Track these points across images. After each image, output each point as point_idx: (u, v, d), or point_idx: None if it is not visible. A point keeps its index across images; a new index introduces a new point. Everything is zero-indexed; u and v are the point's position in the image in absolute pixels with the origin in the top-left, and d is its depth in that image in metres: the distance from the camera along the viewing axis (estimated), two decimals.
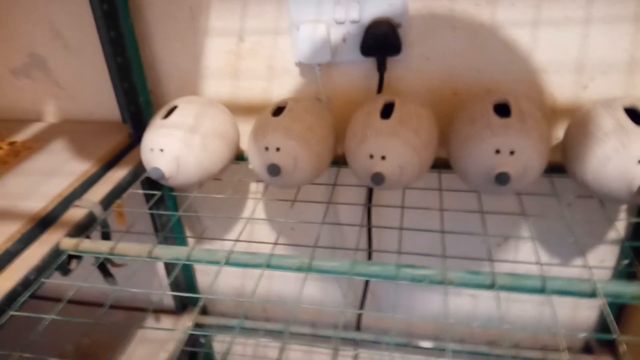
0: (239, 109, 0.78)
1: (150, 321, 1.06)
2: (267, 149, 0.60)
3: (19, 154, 0.78)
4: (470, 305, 0.93)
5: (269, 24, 0.72)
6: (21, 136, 0.84)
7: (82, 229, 0.64)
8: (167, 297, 1.08)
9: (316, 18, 0.69)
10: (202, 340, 1.05)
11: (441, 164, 0.69)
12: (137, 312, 1.11)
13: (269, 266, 0.56)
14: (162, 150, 0.63)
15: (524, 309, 0.91)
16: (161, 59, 0.79)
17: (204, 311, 1.09)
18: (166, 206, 0.87)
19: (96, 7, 0.72)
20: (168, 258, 0.58)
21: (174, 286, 1.01)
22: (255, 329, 1.05)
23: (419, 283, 0.52)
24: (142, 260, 0.59)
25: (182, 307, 1.07)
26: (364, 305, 0.96)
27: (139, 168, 0.76)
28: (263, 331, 1.06)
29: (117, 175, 0.74)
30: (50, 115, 0.90)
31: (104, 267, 0.67)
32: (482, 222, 0.64)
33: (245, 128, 0.77)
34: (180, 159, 0.64)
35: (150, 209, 0.77)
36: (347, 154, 0.64)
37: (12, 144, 0.81)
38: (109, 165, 0.75)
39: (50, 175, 0.71)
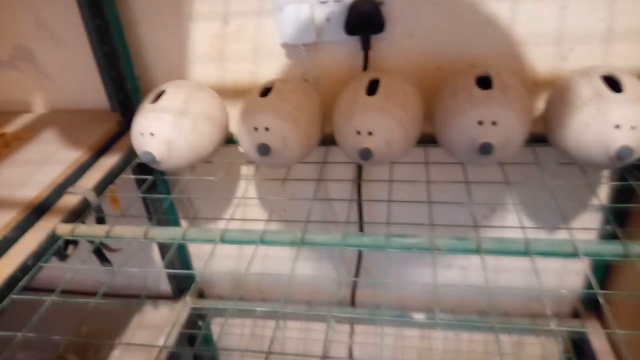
0: (226, 92, 0.79)
1: (147, 307, 1.07)
2: (256, 129, 0.62)
3: (9, 145, 0.78)
4: (461, 277, 0.95)
5: (252, 6, 0.73)
6: (10, 128, 0.85)
7: (77, 215, 0.65)
8: (164, 283, 1.09)
9: None
10: (200, 323, 1.07)
11: (427, 139, 0.71)
12: (133, 299, 1.12)
13: (262, 242, 0.57)
14: (152, 134, 0.64)
15: (513, 278, 0.93)
16: (147, 45, 0.79)
17: (201, 295, 1.11)
18: (158, 190, 0.89)
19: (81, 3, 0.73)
20: (164, 238, 0.59)
21: (168, 274, 1.03)
22: (251, 309, 1.07)
23: (408, 250, 0.54)
24: (138, 244, 0.60)
25: (178, 292, 1.09)
26: (357, 282, 0.99)
27: (130, 154, 0.76)
28: (259, 311, 1.08)
29: (108, 161, 0.74)
30: (39, 105, 0.90)
31: (100, 252, 0.68)
32: (468, 192, 0.66)
33: (234, 111, 0.78)
34: (170, 142, 0.65)
35: (142, 193, 0.78)
36: (335, 131, 0.65)
37: (1, 135, 0.81)
38: (100, 152, 0.76)
39: (42, 164, 0.72)
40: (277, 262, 1.01)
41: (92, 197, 0.67)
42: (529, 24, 0.68)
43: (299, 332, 1.11)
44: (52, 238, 0.61)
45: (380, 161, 0.64)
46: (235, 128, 0.69)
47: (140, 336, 1.01)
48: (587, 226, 0.84)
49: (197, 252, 1.04)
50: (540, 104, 0.73)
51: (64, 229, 0.62)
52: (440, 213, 0.82)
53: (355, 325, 1.06)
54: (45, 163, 0.72)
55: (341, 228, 0.89)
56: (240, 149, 0.68)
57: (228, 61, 0.78)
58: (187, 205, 0.97)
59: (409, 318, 0.97)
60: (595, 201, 0.80)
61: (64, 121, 0.84)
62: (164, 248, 1.00)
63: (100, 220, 0.68)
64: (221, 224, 0.95)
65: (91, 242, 0.63)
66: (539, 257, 0.51)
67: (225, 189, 0.92)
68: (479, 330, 1.01)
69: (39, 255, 0.59)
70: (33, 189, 0.66)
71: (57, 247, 0.60)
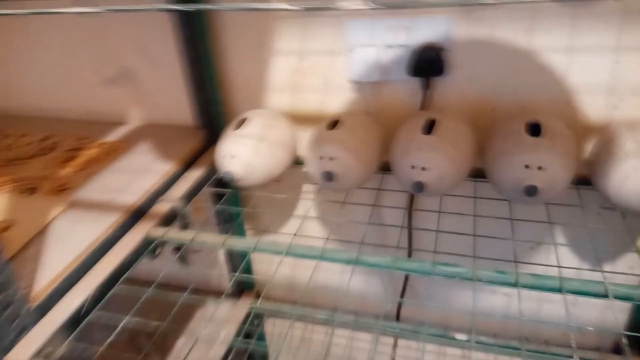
0: (297, 119, 0.89)
1: (210, 304, 1.19)
2: (322, 157, 0.71)
3: (110, 153, 0.91)
4: (504, 302, 1.00)
5: (326, 46, 0.82)
6: (109, 138, 0.98)
7: (167, 221, 0.76)
8: (226, 282, 1.21)
9: (369, 42, 0.78)
10: (257, 322, 1.17)
11: (477, 174, 0.77)
12: (198, 295, 1.24)
13: (322, 258, 0.66)
14: (234, 156, 0.75)
15: (555, 308, 0.97)
16: (232, 74, 0.90)
17: (258, 296, 1.21)
18: (231, 203, 0.99)
19: (180, 30, 0.84)
20: (239, 247, 0.69)
21: (232, 273, 1.13)
22: (304, 314, 1.16)
23: (451, 279, 0.61)
24: (215, 249, 0.70)
25: (238, 292, 1.19)
26: (404, 298, 1.05)
27: (212, 169, 0.88)
28: (311, 317, 1.17)
29: (193, 175, 0.86)
30: (134, 119, 1.03)
31: (183, 254, 0.79)
32: (512, 228, 0.71)
33: (303, 135, 0.87)
34: (249, 165, 0.75)
35: (218, 205, 0.88)
36: (392, 163, 0.73)
37: (102, 144, 0.95)
38: (186, 165, 0.88)
39: (139, 173, 0.84)
40: (329, 272, 1.10)
41: (180, 206, 0.78)
42: (582, 74, 0.73)
43: (346, 340, 1.19)
44: (147, 240, 0.73)
45: (431, 193, 0.71)
46: (304, 153, 0.78)
47: (203, 329, 1.12)
48: (632, 267, 0.87)
49: (260, 257, 1.14)
50: (588, 147, 0.77)
51: (157, 233, 0.73)
52: (484, 246, 0.88)
53: (398, 339, 1.13)
54: (141, 172, 0.84)
55: (391, 252, 0.97)
56: (306, 170, 0.77)
57: (301, 92, 0.88)
58: (255, 217, 1.07)
59: (449, 337, 1.03)
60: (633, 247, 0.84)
61: (156, 135, 0.97)
62: (232, 253, 1.11)
63: (185, 227, 0.79)
64: (283, 237, 1.05)
65: (177, 245, 0.74)
66: (572, 295, 0.57)
67: (290, 206, 1.01)
68: (517, 356, 1.05)
69: (136, 254, 0.71)
70: (131, 195, 0.78)
71: (150, 248, 0.72)
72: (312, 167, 0.74)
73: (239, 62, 0.89)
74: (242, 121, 0.79)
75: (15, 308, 0.56)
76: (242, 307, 1.15)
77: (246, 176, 0.76)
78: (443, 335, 1.05)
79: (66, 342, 0.59)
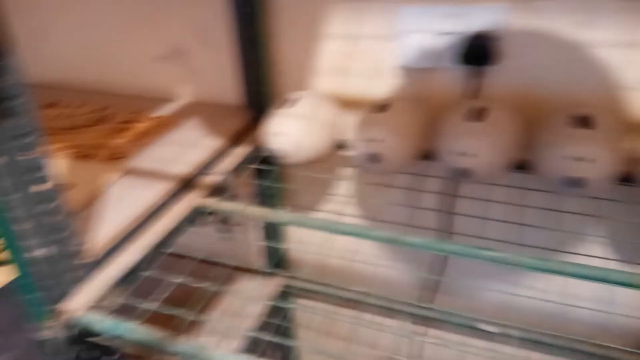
0: (343, 102, 0.91)
1: (242, 279, 1.22)
2: (369, 139, 0.72)
3: (160, 127, 0.95)
4: (538, 296, 1.00)
5: (376, 32, 0.83)
6: (161, 112, 1.02)
7: (214, 192, 0.79)
8: (259, 258, 1.23)
9: (421, 28, 0.79)
10: (286, 300, 1.20)
11: (524, 165, 0.77)
12: (230, 269, 1.26)
13: (365, 236, 0.68)
14: (282, 134, 0.77)
15: (591, 306, 0.97)
16: (281, 56, 0.92)
17: (290, 276, 1.24)
18: (273, 180, 1.02)
19: (236, 10, 0.87)
20: (286, 221, 0.72)
21: (268, 250, 1.16)
22: (334, 295, 1.18)
23: (495, 263, 0.62)
24: (255, 223, 0.73)
25: (271, 269, 1.22)
26: (436, 287, 1.06)
27: (257, 147, 0.90)
28: (341, 298, 1.18)
29: (239, 151, 0.88)
30: (185, 96, 1.07)
31: (228, 226, 0.82)
32: (558, 219, 0.72)
33: (348, 119, 0.89)
34: (296, 143, 0.77)
35: (262, 180, 0.91)
36: (437, 149, 0.74)
37: (153, 118, 0.98)
38: (233, 142, 0.90)
39: (189, 147, 0.87)
40: (363, 257, 1.11)
41: (226, 180, 0.81)
42: (638, 70, 0.72)
43: (373, 324, 1.20)
44: (195, 209, 0.76)
45: (476, 181, 0.72)
46: (347, 136, 0.80)
47: (234, 303, 1.15)
48: None
49: (293, 237, 1.17)
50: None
51: (207, 203, 0.76)
52: (528, 235, 0.88)
53: (427, 328, 1.14)
54: (190, 146, 0.87)
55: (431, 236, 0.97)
56: (351, 153, 0.79)
57: (347, 76, 0.89)
58: (295, 196, 1.09)
59: (480, 328, 1.04)
60: None
61: (205, 111, 1.00)
62: (268, 230, 1.14)
63: (230, 199, 0.82)
64: (322, 216, 1.07)
65: (223, 216, 0.77)
66: (616, 285, 0.57)
67: (329, 187, 1.03)
68: (550, 353, 1.05)
69: (185, 221, 0.74)
70: (181, 167, 0.81)
71: (199, 217, 0.75)
72: (358, 149, 0.75)
73: (289, 44, 0.91)
74: (290, 100, 0.81)
75: (72, 261, 0.59)
76: (274, 284, 1.18)
77: (292, 154, 0.78)
78: (473, 325, 1.05)
79: (116, 297, 0.62)
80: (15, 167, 0.50)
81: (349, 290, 1.19)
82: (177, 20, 0.98)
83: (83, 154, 0.86)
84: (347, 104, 0.92)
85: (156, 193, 0.75)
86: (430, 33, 0.79)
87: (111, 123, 0.97)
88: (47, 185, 0.53)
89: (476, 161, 0.68)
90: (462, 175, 0.69)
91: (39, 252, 0.54)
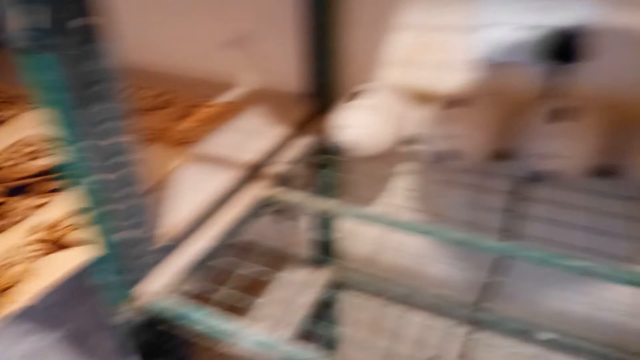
0: (411, 95, 0.88)
1: (293, 268, 1.22)
2: (448, 136, 0.70)
3: (224, 113, 0.95)
4: (592, 313, 0.96)
5: (451, 23, 0.80)
6: (225, 98, 1.02)
7: (278, 182, 0.79)
8: (310, 249, 1.23)
9: (504, 21, 0.76)
10: (334, 292, 1.20)
11: (607, 169, 0.73)
12: (281, 258, 1.27)
13: (430, 233, 0.66)
14: (350, 126, 0.76)
15: None
16: (349, 46, 0.90)
17: (339, 269, 1.23)
18: (335, 172, 1.00)
19: None
20: (352, 216, 0.71)
21: (315, 243, 1.16)
22: (382, 290, 1.16)
23: (572, 272, 0.59)
24: (317, 214, 0.72)
25: (317, 262, 1.21)
26: (494, 289, 1.03)
27: (321, 137, 0.89)
28: (387, 295, 1.17)
29: (303, 141, 0.88)
30: (247, 83, 1.06)
31: (289, 215, 0.82)
32: (630, 226, 0.68)
33: (417, 113, 0.86)
34: (363, 135, 0.76)
35: (324, 172, 0.90)
36: (518, 149, 0.71)
37: (216, 104, 0.99)
38: (296, 131, 0.90)
39: (254, 135, 0.87)
40: (414, 254, 1.09)
41: (290, 169, 0.80)
42: None
43: (421, 322, 1.18)
44: (261, 197, 0.75)
45: (553, 182, 0.68)
46: (418, 129, 0.78)
47: (284, 292, 1.15)
48: None
49: (345, 228, 1.16)
50: None
51: (272, 192, 0.76)
52: (596, 242, 0.84)
53: (480, 330, 1.11)
54: (253, 134, 0.87)
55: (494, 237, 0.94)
56: (417, 148, 0.77)
57: (419, 68, 0.86)
58: (357, 189, 1.07)
59: (534, 334, 1.00)
60: None
61: (266, 99, 0.99)
62: (322, 220, 1.13)
63: (294, 189, 0.81)
64: (381, 210, 1.05)
65: (286, 207, 0.77)
66: None
67: (392, 181, 1.01)
68: None
69: (250, 209, 0.74)
70: (249, 154, 0.81)
71: (266, 206, 0.75)
72: (431, 144, 0.73)
73: (358, 33, 0.89)
74: (360, 92, 0.79)
75: (148, 246, 0.60)
76: (324, 276, 1.17)
77: (360, 147, 0.76)
78: (525, 331, 1.02)
79: (187, 284, 0.63)
80: (102, 150, 0.51)
81: (399, 286, 1.17)
82: (244, 7, 0.98)
83: (150, 138, 0.87)
84: (415, 96, 0.89)
85: (224, 180, 0.75)
86: (513, 26, 0.75)
87: (176, 107, 0.98)
88: (131, 169, 0.53)
89: (560, 164, 0.65)
90: (543, 177, 0.66)
91: (120, 235, 0.55)
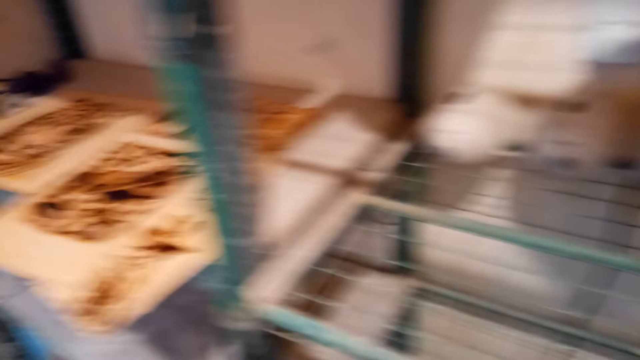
0: (512, 99, 0.83)
1: (372, 275, 1.19)
2: (565, 143, 0.65)
3: (312, 119, 0.94)
4: None
5: (558, 21, 0.75)
6: (308, 104, 1.00)
7: (377, 190, 0.77)
8: (383, 258, 1.19)
9: (620, 19, 0.70)
10: (415, 303, 1.16)
11: None
12: (362, 264, 1.24)
13: (524, 243, 0.61)
14: (449, 131, 0.72)
15: None
16: (442, 48, 0.87)
17: (422, 279, 1.18)
18: (429, 178, 0.96)
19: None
20: (439, 222, 0.67)
21: (396, 250, 1.12)
22: (469, 304, 1.11)
23: None
24: (417, 221, 0.68)
25: (398, 270, 1.18)
26: (593, 305, 0.96)
27: (416, 142, 0.86)
28: (472, 307, 1.12)
29: (395, 147, 0.85)
30: (330, 88, 1.05)
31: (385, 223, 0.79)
32: None
33: (518, 117, 0.81)
34: (464, 141, 0.72)
35: (417, 178, 0.86)
36: (633, 156, 0.65)
37: (304, 110, 0.98)
38: (387, 137, 0.87)
39: (344, 141, 0.85)
40: (505, 267, 1.04)
41: (385, 176, 0.78)
42: None
43: (507, 338, 1.12)
44: (358, 206, 0.73)
45: None
46: (526, 135, 0.73)
47: (364, 301, 1.13)
48: None
49: (429, 235, 1.11)
50: None
51: (366, 199, 0.73)
52: None
53: (575, 348, 1.04)
54: (346, 140, 0.85)
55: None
56: (524, 155, 0.72)
57: (520, 70, 0.82)
58: (450, 196, 1.02)
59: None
60: None
61: (351, 104, 0.97)
62: (404, 227, 1.09)
63: (389, 197, 0.78)
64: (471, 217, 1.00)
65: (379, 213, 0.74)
66: None
67: (491, 190, 0.95)
68: None
69: (352, 219, 0.72)
70: (341, 161, 0.79)
71: (365, 215, 0.72)
72: (543, 152, 0.68)
73: (452, 34, 0.85)
74: (457, 95, 0.76)
75: (257, 252, 0.59)
76: (405, 284, 1.14)
77: (458, 153, 0.73)
78: (628, 351, 0.94)
79: (293, 290, 0.61)
80: (226, 156, 0.50)
81: (484, 297, 1.12)
82: (329, 10, 0.96)
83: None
84: (516, 99, 0.84)
85: (318, 188, 0.73)
86: (625, 24, 0.70)
87: (263, 113, 0.98)
88: (249, 176, 0.53)
89: None
90: None
91: (233, 241, 0.54)
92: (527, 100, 0.82)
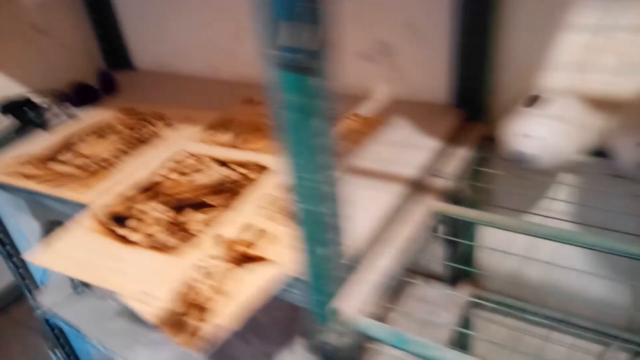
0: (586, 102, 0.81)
1: (425, 286, 1.16)
2: None
3: (370, 126, 0.92)
4: None
5: (633, 21, 0.73)
6: (365, 111, 0.99)
7: (445, 196, 0.75)
8: (439, 266, 1.17)
9: None
10: (473, 310, 1.13)
11: None
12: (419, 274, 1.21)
13: (589, 244, 0.59)
14: (531, 136, 0.71)
15: None
16: (507, 51, 0.85)
17: (479, 287, 1.16)
18: (494, 183, 0.93)
19: (466, 3, 0.81)
20: (524, 230, 0.65)
21: (454, 258, 1.10)
22: (528, 310, 1.08)
23: None
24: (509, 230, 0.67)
25: (453, 278, 1.16)
26: None
27: (479, 147, 0.84)
28: (537, 314, 1.08)
29: (460, 152, 0.83)
30: (385, 94, 1.03)
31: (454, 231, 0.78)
32: None
33: (596, 121, 0.79)
34: (546, 146, 0.70)
35: (489, 185, 0.84)
36: None
37: (360, 117, 0.96)
38: (450, 142, 0.85)
39: (404, 147, 0.83)
40: (564, 272, 1.01)
41: (456, 183, 0.76)
42: None
43: (573, 348, 1.09)
44: (433, 213, 0.72)
45: None
46: (606, 139, 0.71)
47: (420, 309, 1.10)
48: None
49: (486, 242, 1.09)
50: None
51: (441, 208, 0.72)
52: None
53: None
54: (406, 146, 0.84)
55: None
56: (596, 159, 0.70)
57: (588, 72, 0.80)
58: (519, 200, 1.00)
59: None
60: None
61: (408, 110, 0.96)
62: (461, 235, 1.07)
63: (460, 203, 0.77)
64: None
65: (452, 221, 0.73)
66: None
67: (549, 191, 0.93)
68: None
69: (427, 227, 0.70)
70: (406, 167, 0.77)
71: (441, 223, 0.71)
72: (626, 156, 0.66)
73: (518, 37, 0.83)
74: (534, 99, 0.74)
75: (337, 263, 0.58)
76: (462, 293, 1.12)
77: (541, 158, 0.71)
78: None
79: (378, 301, 0.60)
80: (313, 164, 0.49)
81: (547, 306, 1.09)
82: (386, 16, 0.95)
83: None
84: (590, 103, 0.82)
85: (392, 196, 0.72)
86: None
87: None
88: (338, 187, 0.52)
89: None
90: None
91: (320, 251, 0.53)
92: (603, 104, 0.80)
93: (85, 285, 1.24)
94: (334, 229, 0.53)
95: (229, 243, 0.67)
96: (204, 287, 0.61)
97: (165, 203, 0.77)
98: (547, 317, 1.06)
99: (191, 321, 0.57)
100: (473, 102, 0.90)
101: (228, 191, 0.78)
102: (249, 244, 0.66)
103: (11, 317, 1.72)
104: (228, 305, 0.58)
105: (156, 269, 0.64)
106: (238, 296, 0.59)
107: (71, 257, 0.68)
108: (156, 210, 0.75)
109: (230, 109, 1.06)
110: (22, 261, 1.23)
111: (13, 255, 1.20)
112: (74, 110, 1.15)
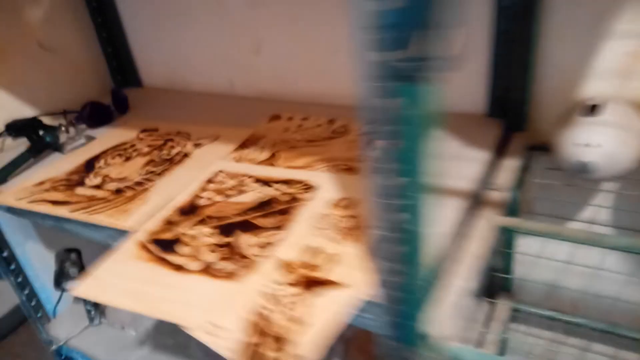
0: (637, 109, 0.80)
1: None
2: None
3: None
4: None
5: None
6: None
7: (503, 209, 0.73)
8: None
9: None
10: (508, 324, 1.11)
11: None
12: None
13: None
14: (591, 145, 0.69)
15: None
16: (549, 59, 0.84)
17: (514, 300, 1.14)
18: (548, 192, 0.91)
19: (504, 10, 0.80)
20: (574, 239, 0.63)
21: (489, 270, 1.08)
22: (564, 320, 1.06)
23: None
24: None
25: (488, 291, 1.13)
26: None
27: (526, 157, 0.83)
28: (572, 324, 1.06)
29: (510, 163, 0.81)
30: None
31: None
32: None
33: None
34: (610, 156, 0.69)
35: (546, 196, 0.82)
36: None
37: None
38: (497, 153, 0.83)
39: (455, 159, 0.81)
40: (605, 282, 1.00)
41: (512, 195, 0.74)
42: None
43: (609, 359, 1.08)
44: (498, 227, 0.69)
45: None
46: None
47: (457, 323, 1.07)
48: None
49: (521, 252, 1.07)
50: None
51: (502, 222, 0.70)
52: None
53: None
54: (458, 158, 0.81)
55: None
56: None
57: (633, 80, 0.79)
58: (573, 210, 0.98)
59: None
60: None
61: (450, 121, 0.93)
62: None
63: (513, 215, 0.75)
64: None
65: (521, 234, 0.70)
66: None
67: (593, 198, 0.92)
68: None
69: (494, 241, 0.68)
70: (462, 181, 0.75)
71: (505, 236, 0.69)
72: None
73: (560, 45, 0.82)
74: (592, 108, 0.73)
75: (414, 284, 0.55)
76: (502, 306, 1.09)
77: (603, 167, 0.69)
78: None
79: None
80: (423, 184, 0.46)
81: (587, 317, 1.07)
82: None
83: (342, 168, 0.84)
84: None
85: (454, 210, 0.69)
86: None
87: (352, 134, 0.94)
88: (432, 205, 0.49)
89: None
90: None
91: (413, 273, 0.50)
92: None
93: (103, 315, 1.17)
94: (421, 249, 0.50)
95: (291, 266, 0.63)
96: (275, 315, 0.57)
97: (211, 226, 0.73)
98: (588, 328, 1.04)
99: (268, 352, 0.53)
100: (514, 112, 0.88)
101: (277, 211, 0.74)
102: (313, 267, 0.62)
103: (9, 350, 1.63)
104: (305, 333, 0.54)
105: (218, 297, 0.60)
106: (314, 323, 0.55)
107: (121, 288, 0.63)
108: (204, 235, 0.71)
109: (258, 126, 1.02)
110: (34, 293, 1.16)
111: (25, 286, 1.13)
112: (90, 131, 1.10)
